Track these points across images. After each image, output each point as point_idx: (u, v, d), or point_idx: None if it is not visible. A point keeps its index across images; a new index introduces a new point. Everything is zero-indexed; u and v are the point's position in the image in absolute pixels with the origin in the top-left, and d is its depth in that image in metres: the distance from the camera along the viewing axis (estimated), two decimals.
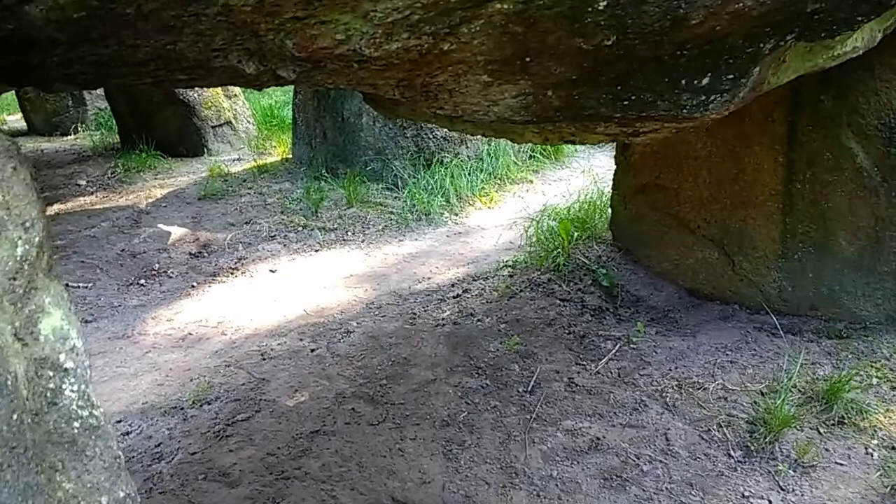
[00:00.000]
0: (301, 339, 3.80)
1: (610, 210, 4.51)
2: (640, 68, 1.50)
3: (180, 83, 1.41)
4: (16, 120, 10.90)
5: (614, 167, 4.36)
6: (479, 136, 6.20)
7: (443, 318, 3.94)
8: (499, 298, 4.12)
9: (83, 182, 7.10)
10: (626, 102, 1.59)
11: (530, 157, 6.81)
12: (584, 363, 3.35)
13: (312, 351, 3.67)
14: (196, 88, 7.67)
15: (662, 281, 3.99)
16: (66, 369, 0.85)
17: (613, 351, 3.41)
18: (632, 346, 3.42)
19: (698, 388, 2.95)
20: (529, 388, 3.17)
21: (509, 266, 4.52)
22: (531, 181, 6.44)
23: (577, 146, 7.25)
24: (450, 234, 5.35)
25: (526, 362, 3.41)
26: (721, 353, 3.17)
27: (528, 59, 1.40)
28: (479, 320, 3.88)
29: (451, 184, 5.83)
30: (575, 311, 3.86)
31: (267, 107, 9.38)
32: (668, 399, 2.94)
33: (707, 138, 3.49)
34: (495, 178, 6.22)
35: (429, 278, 4.55)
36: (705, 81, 1.55)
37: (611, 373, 3.25)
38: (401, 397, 3.19)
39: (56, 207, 6.26)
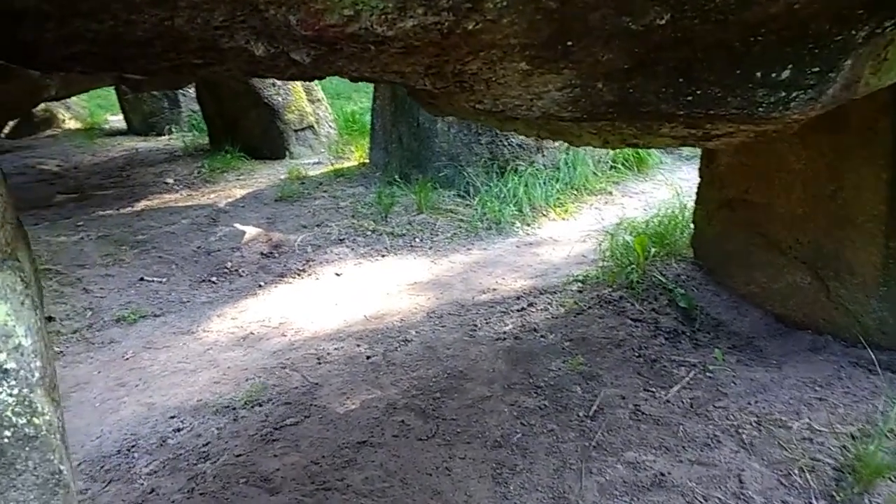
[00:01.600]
0: (358, 346, 3.73)
1: (692, 225, 4.22)
2: (704, 57, 1.30)
3: (197, 69, 1.34)
4: (117, 120, 11.53)
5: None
6: (556, 144, 6.01)
7: (504, 332, 3.77)
8: (565, 314, 3.91)
9: (171, 180, 7.37)
10: (689, 98, 1.39)
11: (611, 167, 6.53)
12: (654, 390, 3.10)
13: (368, 358, 3.59)
14: (281, 93, 7.84)
15: (747, 305, 3.67)
16: (5, 370, 0.76)
17: (687, 379, 3.14)
18: (708, 374, 3.14)
19: (780, 426, 2.65)
20: (591, 413, 2.95)
21: (579, 281, 4.30)
22: (611, 193, 6.17)
23: (662, 157, 6.91)
24: (520, 244, 5.17)
25: (589, 385, 3.20)
26: (809, 389, 2.84)
27: (569, 44, 1.24)
28: (542, 336, 3.69)
29: (524, 193, 5.65)
30: (647, 332, 3.60)
31: (350, 113, 9.49)
32: (744, 436, 2.65)
33: (801, 150, 3.17)
34: (572, 188, 5.99)
35: (493, 289, 4.39)
36: (785, 75, 1.33)
37: (682, 402, 2.98)
38: (453, 413, 3.05)
39: (143, 203, 6.51)
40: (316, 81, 8.76)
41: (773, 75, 1.34)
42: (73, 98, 13.09)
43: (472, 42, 1.22)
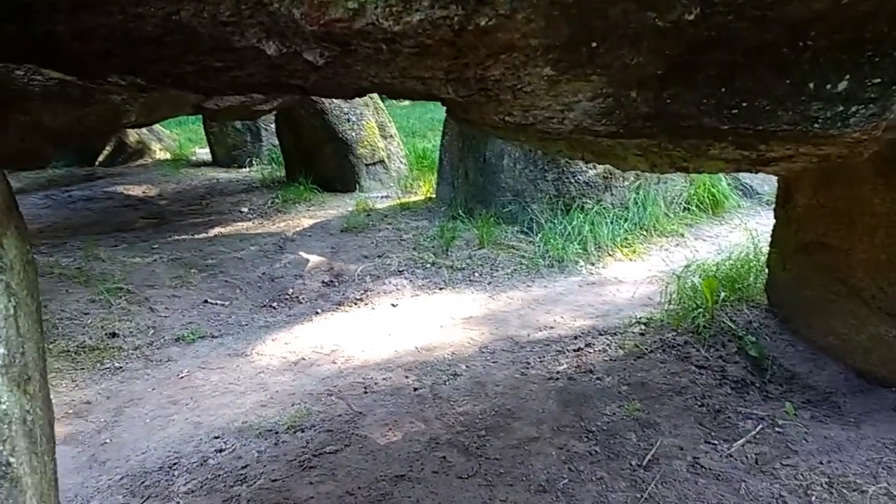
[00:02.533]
0: (406, 377, 3.65)
1: (766, 270, 3.96)
2: (747, 62, 1.18)
3: (220, 74, 1.33)
4: (204, 153, 12.09)
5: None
6: (625, 183, 5.84)
7: (558, 372, 3.62)
8: (624, 357, 3.72)
9: (245, 209, 7.61)
10: (735, 111, 1.27)
11: (685, 209, 6.29)
12: (715, 442, 2.88)
13: (415, 390, 3.50)
14: (354, 128, 8.02)
15: (825, 357, 3.38)
16: None
17: (753, 433, 2.89)
18: (777, 429, 2.89)
19: (854, 490, 2.38)
20: (644, 463, 2.76)
21: (642, 323, 4.10)
22: (682, 235, 5.92)
23: (740, 200, 6.60)
24: (582, 283, 5.00)
25: (645, 432, 3.00)
26: (889, 451, 2.56)
27: (594, 45, 1.15)
28: (597, 378, 3.51)
29: (590, 231, 5.49)
30: (712, 380, 3.37)
31: (422, 150, 9.60)
32: (813, 498, 2.40)
33: (886, 191, 2.93)
34: (641, 228, 5.79)
35: (550, 327, 4.24)
36: (842, 86, 1.18)
37: (746, 458, 2.74)
38: (497, 452, 2.91)
39: (217, 230, 6.73)
40: (390, 119, 8.94)
41: (829, 86, 1.20)
42: (166, 131, 13.92)
43: (489, 42, 1.16)
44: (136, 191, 9.00)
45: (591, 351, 3.85)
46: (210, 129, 10.83)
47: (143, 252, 5.89)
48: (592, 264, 5.31)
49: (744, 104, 1.28)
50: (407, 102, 20.30)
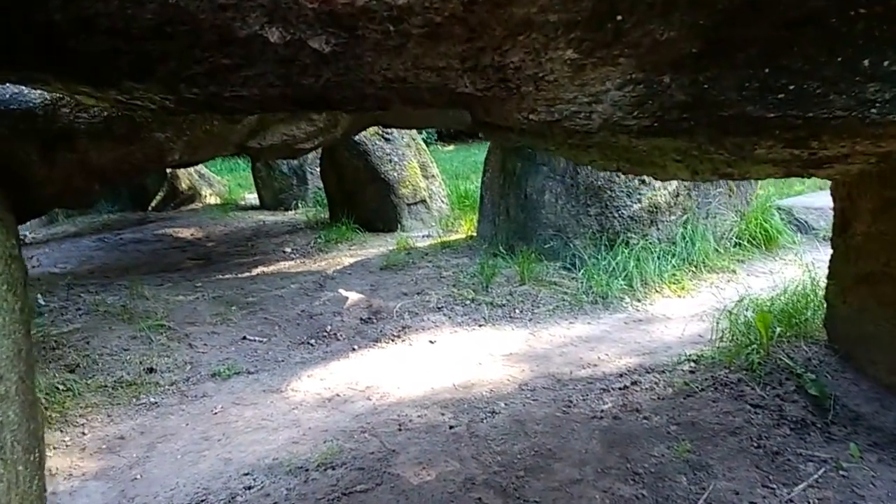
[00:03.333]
0: (442, 414, 3.51)
1: (825, 304, 3.73)
2: (792, 37, 1.06)
3: (230, 75, 1.28)
4: (253, 197, 12.35)
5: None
6: (671, 217, 5.65)
7: (602, 411, 3.43)
8: (673, 395, 3.51)
9: (288, 249, 7.67)
10: (781, 95, 1.14)
11: (735, 244, 6.05)
12: (774, 486, 2.65)
13: (451, 428, 3.36)
14: (396, 168, 8.07)
15: (892, 397, 3.12)
16: None
17: (816, 476, 2.66)
18: (842, 473, 2.65)
19: None
20: None
21: (692, 360, 3.89)
22: (734, 271, 5.67)
23: (795, 236, 6.32)
24: (628, 320, 4.81)
25: (697, 475, 2.79)
26: None
27: (619, 19, 1.05)
28: (645, 418, 3.31)
29: (635, 267, 5.31)
30: (769, 420, 3.14)
31: (464, 190, 9.59)
32: None
33: None
34: (689, 264, 5.57)
35: (594, 365, 4.06)
36: None
37: (808, 503, 2.51)
38: (537, 495, 2.74)
39: (259, 269, 6.78)
40: (432, 160, 8.98)
41: (886, 63, 1.06)
42: (217, 177, 14.32)
43: (504, 18, 1.08)
44: (185, 233, 9.20)
45: (638, 389, 3.65)
46: (258, 174, 11.07)
47: (186, 290, 5.95)
48: (638, 301, 5.11)
49: (791, 87, 1.15)
50: (451, 147, 20.49)
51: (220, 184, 13.69)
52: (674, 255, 5.55)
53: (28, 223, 11.08)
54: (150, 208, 11.88)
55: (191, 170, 13.05)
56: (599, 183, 5.55)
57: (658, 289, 5.28)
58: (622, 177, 5.54)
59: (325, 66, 1.26)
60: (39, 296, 5.69)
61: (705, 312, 4.77)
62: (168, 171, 12.26)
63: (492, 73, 1.29)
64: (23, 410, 0.99)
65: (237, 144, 5.08)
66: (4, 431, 0.90)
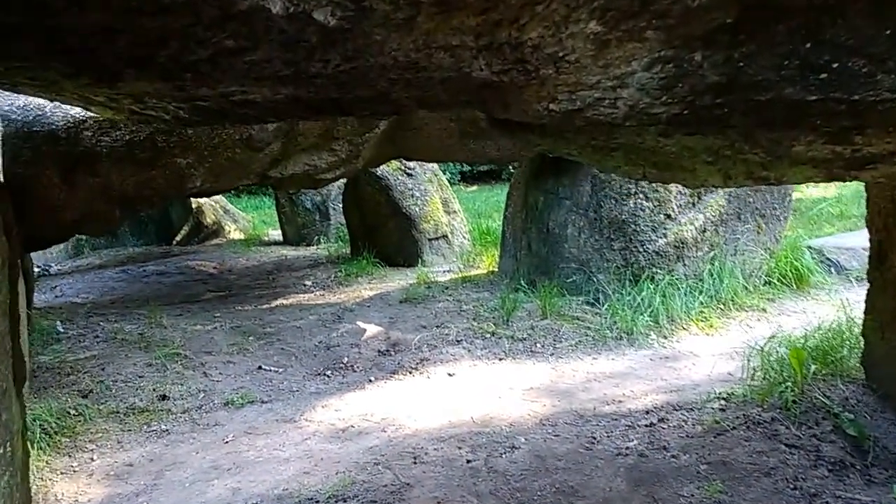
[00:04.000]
0: (459, 448, 3.37)
1: (862, 341, 3.56)
2: (837, 5, 0.97)
3: (235, 60, 1.21)
4: (277, 234, 12.42)
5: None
6: (698, 253, 5.51)
7: (627, 448, 3.27)
8: (703, 434, 3.34)
9: (308, 283, 7.63)
10: (823, 75, 1.05)
11: (765, 282, 5.88)
12: None
13: (468, 462, 3.22)
14: (418, 203, 8.05)
15: None
16: None
17: None
18: None
19: None
20: None
21: (721, 398, 3.72)
22: (764, 310, 5.49)
23: (826, 275, 6.12)
24: (654, 357, 4.65)
25: None
26: None
27: None
28: (673, 456, 3.14)
29: (661, 303, 5.16)
30: (805, 461, 2.96)
31: (486, 227, 9.54)
32: None
33: None
34: (717, 301, 5.40)
35: (619, 401, 3.90)
36: None
37: None
38: None
39: (279, 301, 6.73)
40: (454, 196, 8.96)
41: None
42: (242, 213, 14.46)
43: None
44: (207, 266, 9.22)
45: (665, 427, 3.48)
46: (282, 210, 11.14)
47: (204, 320, 5.91)
48: (665, 338, 4.95)
49: (834, 65, 1.06)
50: (475, 187, 20.54)
51: (244, 220, 13.81)
52: (701, 292, 5.39)
53: (54, 255, 11.26)
54: (174, 242, 11.99)
55: (216, 205, 13.22)
56: (624, 217, 5.45)
57: (685, 326, 5.12)
58: (647, 210, 5.44)
59: (333, 48, 1.20)
60: (59, 322, 5.69)
61: (735, 351, 4.59)
62: (193, 206, 12.44)
63: (509, 52, 1.22)
64: None
65: (259, 174, 5.09)
66: None
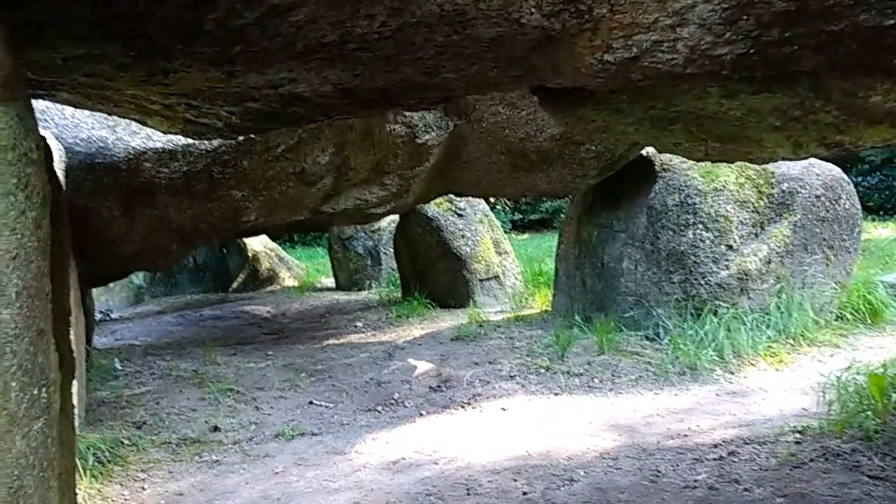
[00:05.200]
0: (515, 480, 3.21)
1: None
2: None
3: (282, 18, 1.19)
4: (330, 281, 12.57)
5: None
6: (763, 285, 5.27)
7: (696, 481, 3.05)
8: (777, 467, 3.10)
9: (360, 324, 7.62)
10: None
11: (837, 317, 5.56)
12: None
13: (524, 494, 3.05)
14: (469, 243, 8.02)
15: None
16: None
17: None
18: None
19: None
20: None
21: (797, 431, 3.47)
22: (836, 345, 5.18)
23: None
24: (720, 392, 4.40)
25: None
26: None
27: None
28: (746, 489, 2.92)
29: (725, 337, 4.91)
30: (891, 492, 2.71)
31: (538, 268, 9.42)
32: None
33: None
34: (786, 336, 5.12)
35: (685, 435, 3.68)
36: None
37: None
38: None
39: (331, 341, 6.73)
40: (505, 237, 8.90)
41: None
42: (296, 261, 14.71)
43: None
44: (262, 311, 9.34)
45: (736, 460, 3.25)
46: (334, 255, 11.28)
47: (257, 359, 5.93)
48: (731, 373, 4.69)
49: None
50: (526, 235, 20.46)
51: (298, 267, 14.03)
52: (768, 326, 5.12)
53: (115, 302, 11.64)
54: (231, 289, 12.24)
55: (271, 253, 13.51)
56: (683, 248, 5.28)
57: (752, 361, 4.85)
58: (707, 241, 5.25)
59: (379, 1, 1.17)
60: (116, 360, 5.80)
61: (808, 386, 4.31)
62: (249, 254, 12.74)
63: None
64: (30, 341, 0.86)
65: (311, 209, 5.15)
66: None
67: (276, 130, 4.08)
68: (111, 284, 11.98)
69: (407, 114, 4.66)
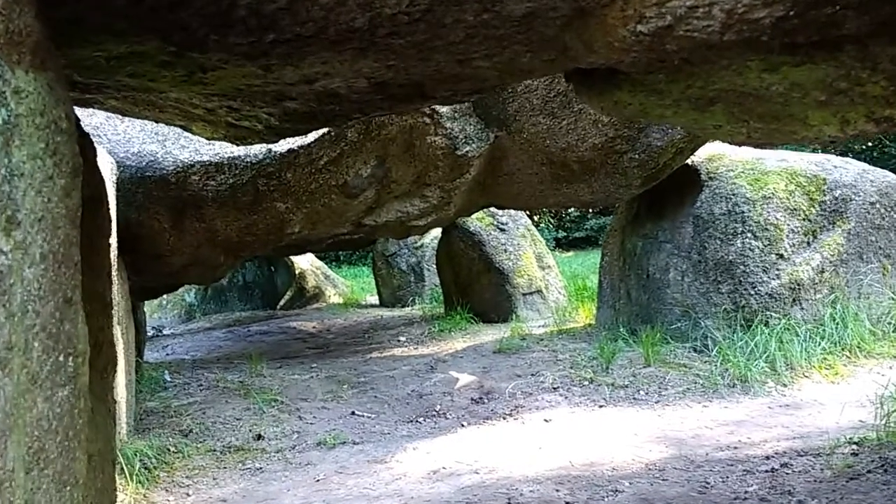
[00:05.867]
0: (557, 490, 3.15)
1: None
2: None
3: (311, 2, 1.20)
4: (374, 298, 12.68)
5: None
6: (816, 295, 5.09)
7: (746, 493, 2.94)
8: (833, 479, 2.97)
9: (402, 338, 7.65)
10: None
11: (895, 328, 5.32)
12: None
13: (567, 503, 2.99)
14: (511, 258, 7.98)
15: None
16: None
17: None
18: None
19: None
20: None
21: (853, 443, 3.32)
22: (895, 357, 4.95)
23: None
24: (772, 405, 4.24)
25: None
26: None
27: None
28: (799, 501, 2.80)
29: (777, 349, 4.75)
30: None
31: (582, 283, 9.32)
32: None
33: None
34: (842, 348, 4.92)
35: (735, 447, 3.55)
36: None
37: None
38: None
39: (374, 354, 6.76)
40: (548, 251, 8.83)
41: None
42: (341, 278, 14.90)
43: None
44: (307, 326, 9.47)
45: (789, 472, 3.13)
46: (378, 272, 11.38)
47: (302, 371, 6.00)
48: (784, 385, 4.53)
49: None
50: (571, 253, 20.26)
51: (343, 285, 14.21)
52: (823, 338, 4.93)
53: (167, 319, 11.97)
54: (278, 307, 12.46)
55: (318, 271, 13.72)
56: (731, 258, 5.14)
57: (806, 373, 4.67)
58: (756, 250, 5.10)
59: None
60: (166, 372, 5.94)
61: (865, 398, 4.12)
62: (297, 272, 12.96)
63: None
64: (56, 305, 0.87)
65: (354, 221, 5.21)
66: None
67: (319, 143, 4.17)
68: (164, 302, 12.38)
69: (447, 125, 4.70)
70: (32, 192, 0.86)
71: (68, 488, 0.88)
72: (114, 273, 3.43)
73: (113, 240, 3.08)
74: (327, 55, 1.48)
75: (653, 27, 1.25)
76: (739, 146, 2.38)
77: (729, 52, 1.30)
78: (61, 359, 0.89)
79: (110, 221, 1.66)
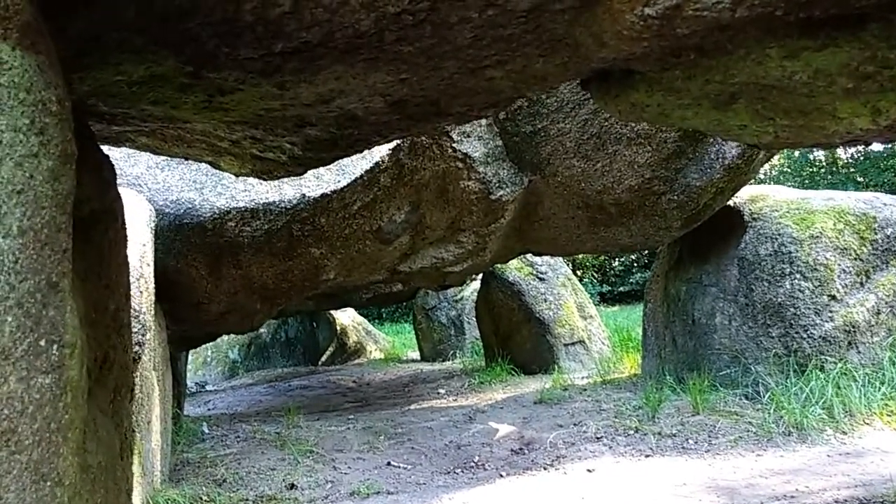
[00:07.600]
0: None
1: None
2: None
3: (320, 8, 1.20)
4: (415, 354, 12.60)
5: None
6: (873, 339, 4.82)
7: None
8: None
9: (442, 391, 7.52)
10: None
11: None
12: None
13: None
14: (552, 307, 7.84)
15: None
16: None
17: None
18: None
19: None
20: None
21: None
22: None
23: None
24: (831, 453, 3.97)
25: None
26: None
27: None
28: None
29: (835, 394, 4.48)
30: None
31: (627, 333, 9.08)
32: None
33: None
34: None
35: (792, 496, 3.31)
36: None
37: None
38: None
39: (412, 406, 6.65)
40: (589, 300, 8.66)
41: None
42: (382, 334, 14.88)
43: None
44: (347, 381, 9.43)
45: None
46: (418, 326, 11.32)
47: (339, 423, 5.92)
48: (843, 433, 4.25)
49: None
50: (616, 307, 19.88)
51: (384, 340, 14.18)
52: (883, 382, 4.64)
53: (212, 376, 12.07)
54: (320, 362, 12.47)
55: (359, 327, 13.74)
56: (780, 300, 4.93)
57: (867, 420, 4.38)
58: (807, 292, 4.89)
59: None
60: (204, 424, 5.93)
61: None
62: (338, 328, 13.00)
63: None
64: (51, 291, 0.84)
65: (389, 269, 5.20)
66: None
67: (352, 188, 4.21)
68: (208, 359, 12.52)
69: (480, 170, 4.70)
70: (11, 163, 0.86)
71: (49, 483, 0.84)
72: (150, 318, 3.47)
73: (140, 264, 3.12)
74: (340, 68, 1.48)
75: (660, 9, 1.21)
76: (767, 149, 2.29)
77: (744, 37, 1.25)
78: (42, 343, 0.87)
79: (126, 239, 1.67)
